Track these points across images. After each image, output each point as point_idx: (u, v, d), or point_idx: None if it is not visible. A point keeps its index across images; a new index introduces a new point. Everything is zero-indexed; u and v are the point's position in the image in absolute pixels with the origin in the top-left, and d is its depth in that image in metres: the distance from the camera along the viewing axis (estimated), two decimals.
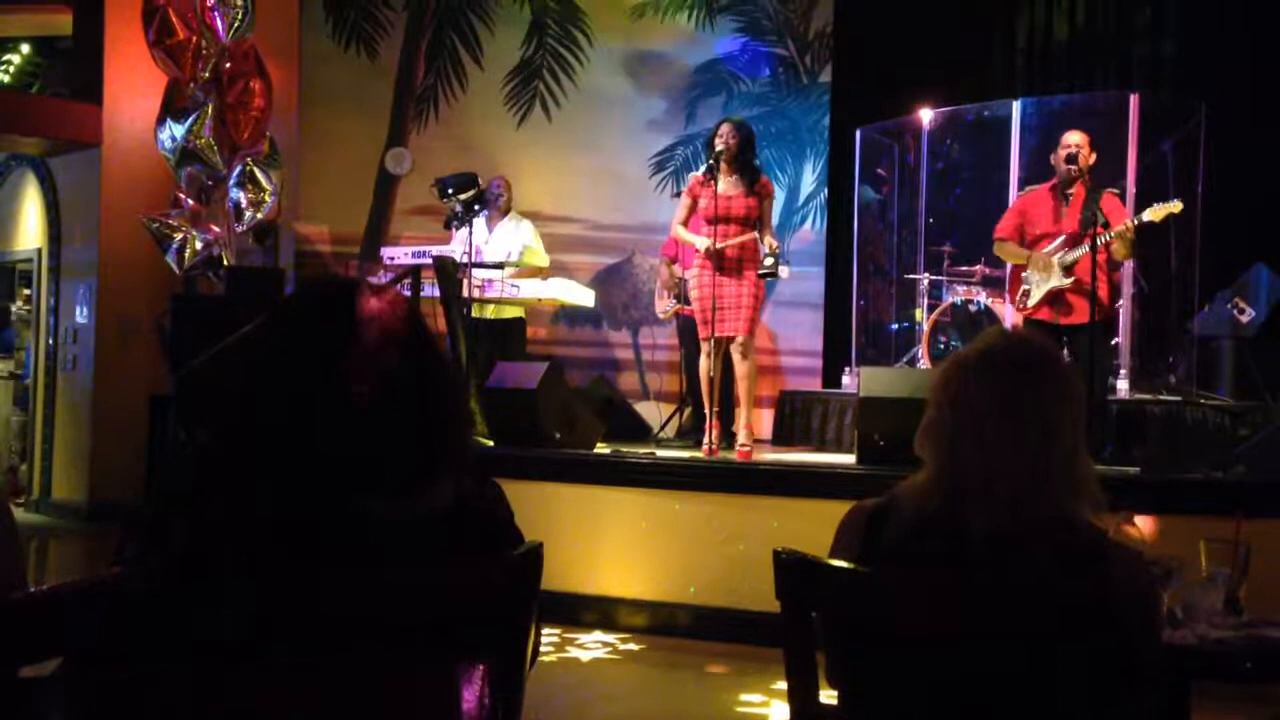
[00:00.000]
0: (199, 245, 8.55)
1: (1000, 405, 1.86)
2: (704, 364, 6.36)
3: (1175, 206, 5.98)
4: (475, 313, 7.72)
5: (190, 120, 8.53)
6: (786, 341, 9.02)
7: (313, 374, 1.65)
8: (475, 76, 9.60)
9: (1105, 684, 1.83)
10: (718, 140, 6.25)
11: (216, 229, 8.61)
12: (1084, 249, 5.93)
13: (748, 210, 6.20)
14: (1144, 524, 2.36)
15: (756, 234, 6.20)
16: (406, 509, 1.68)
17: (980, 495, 1.84)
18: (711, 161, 6.29)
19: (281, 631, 1.61)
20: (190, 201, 8.69)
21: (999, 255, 6.67)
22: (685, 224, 6.41)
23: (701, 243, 6.22)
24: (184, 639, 1.58)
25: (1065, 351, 6.17)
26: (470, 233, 7.30)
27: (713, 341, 6.24)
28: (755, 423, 6.45)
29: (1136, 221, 6.03)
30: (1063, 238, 6.19)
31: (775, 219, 7.47)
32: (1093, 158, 6.25)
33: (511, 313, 7.94)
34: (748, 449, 6.23)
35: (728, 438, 6.73)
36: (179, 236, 8.53)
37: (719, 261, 6.18)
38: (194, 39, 8.48)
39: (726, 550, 5.43)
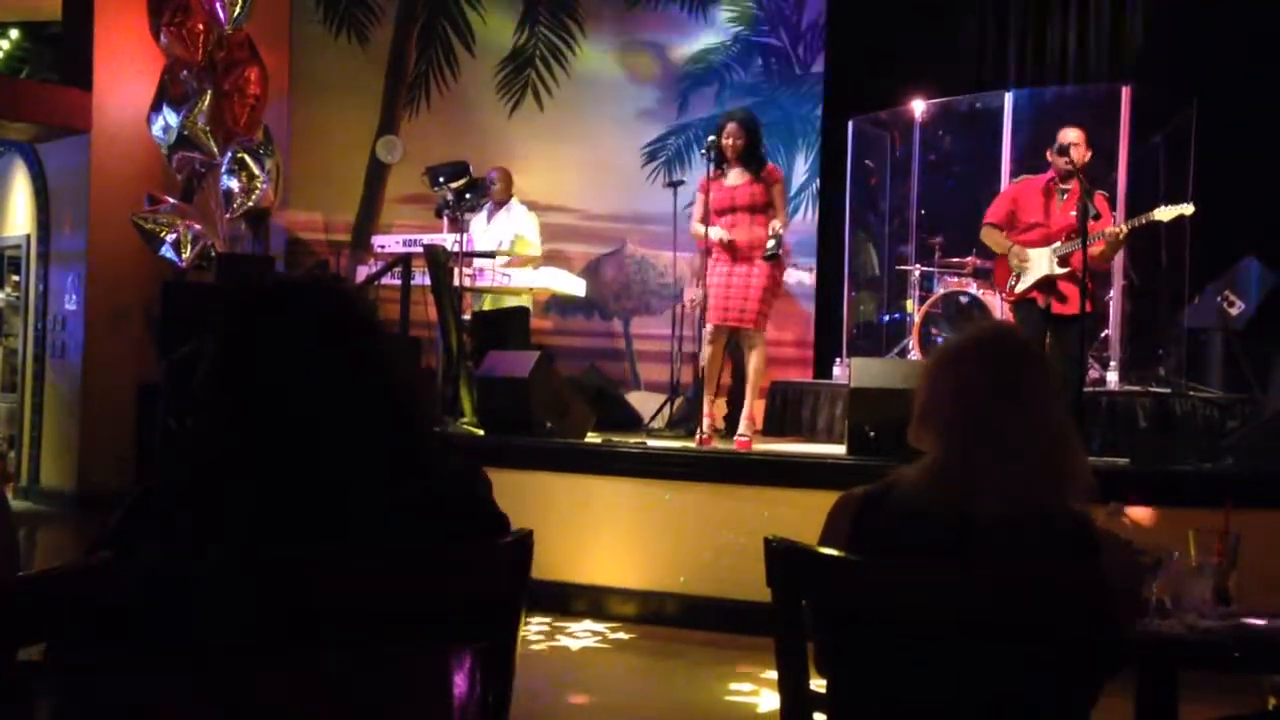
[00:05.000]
0: (191, 238, 8.53)
1: (998, 390, 1.89)
2: (705, 351, 6.38)
3: (1186, 209, 5.99)
4: (485, 305, 7.74)
5: (188, 107, 8.51)
6: (778, 332, 9.01)
7: (268, 372, 1.69)
8: (467, 64, 9.58)
9: (1094, 670, 1.85)
10: (725, 139, 6.25)
11: (197, 226, 8.58)
12: (1078, 244, 5.94)
13: (753, 198, 6.23)
14: (1140, 514, 2.37)
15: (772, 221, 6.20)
16: (382, 496, 1.69)
17: (982, 481, 1.85)
18: (705, 153, 6.31)
19: (272, 621, 1.61)
20: (171, 200, 8.66)
21: (982, 238, 6.68)
22: (704, 221, 6.38)
23: (715, 233, 6.24)
24: (174, 628, 1.58)
25: (1049, 340, 6.22)
26: (462, 220, 7.30)
27: (710, 328, 6.27)
28: (753, 413, 6.48)
29: (1145, 220, 6.06)
30: (1057, 245, 6.21)
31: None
32: (1088, 155, 6.26)
33: (514, 302, 7.91)
34: (747, 439, 6.25)
35: (732, 426, 6.72)
36: (171, 236, 8.49)
37: (731, 251, 6.21)
38: (201, 24, 8.46)
39: (716, 540, 5.44)
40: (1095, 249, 5.91)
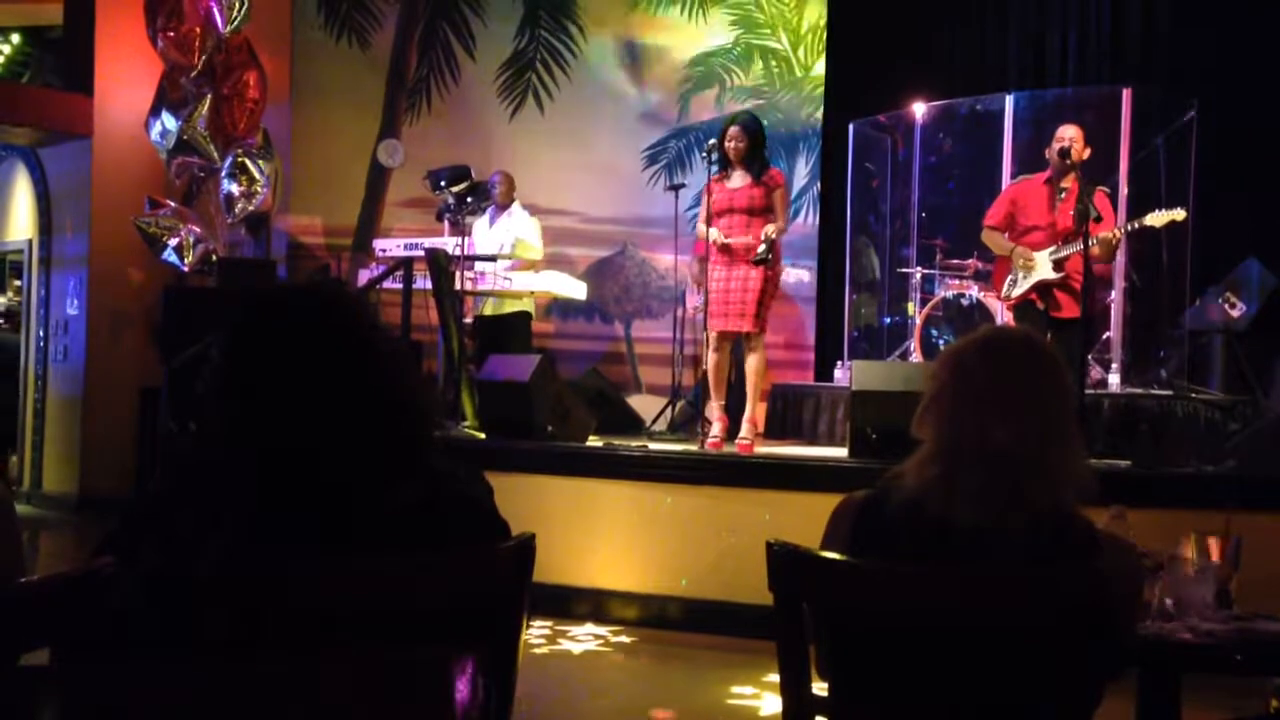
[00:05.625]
0: (193, 242, 8.54)
1: (997, 392, 1.89)
2: (711, 357, 6.39)
3: (1179, 215, 6.00)
4: (486, 308, 7.74)
5: (187, 111, 8.52)
6: (779, 335, 9.01)
7: (270, 376, 1.70)
8: (468, 68, 9.59)
9: (1096, 673, 1.85)
10: (727, 142, 6.26)
11: (196, 229, 8.58)
12: (1076, 246, 5.94)
13: (751, 201, 6.23)
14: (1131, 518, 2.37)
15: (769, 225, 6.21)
16: (382, 499, 1.69)
17: (971, 485, 1.85)
18: (705, 156, 6.32)
19: (274, 624, 1.61)
20: (172, 203, 8.67)
21: (984, 241, 6.71)
22: (708, 222, 6.40)
23: (712, 234, 6.24)
24: (177, 630, 1.58)
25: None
26: (463, 224, 7.31)
27: (710, 334, 6.28)
28: (755, 416, 6.48)
29: (1138, 225, 6.08)
30: (1053, 249, 6.22)
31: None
32: (1087, 152, 6.28)
33: (513, 306, 7.91)
34: (749, 442, 6.25)
35: (733, 429, 6.73)
36: (174, 240, 8.50)
37: (728, 254, 6.22)
38: (197, 29, 8.47)
39: (718, 543, 5.43)
40: (1091, 253, 5.93)
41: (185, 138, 8.54)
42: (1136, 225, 6.14)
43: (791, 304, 8.97)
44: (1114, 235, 6.08)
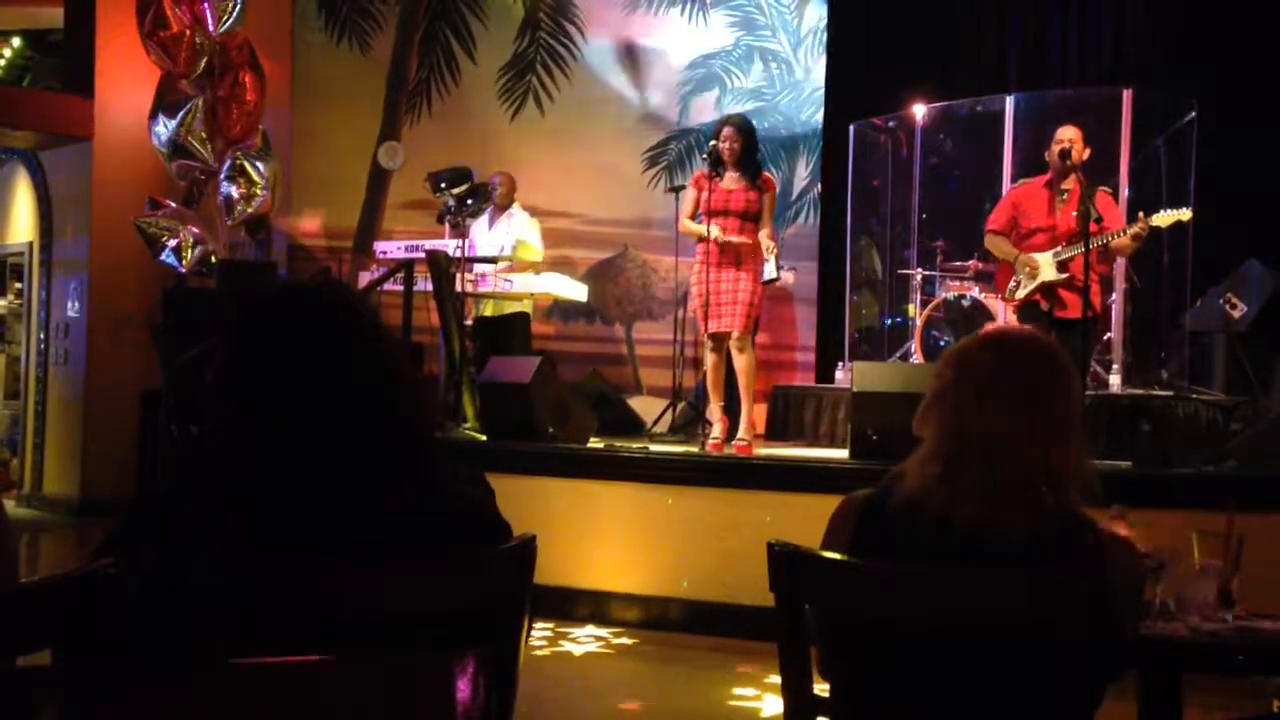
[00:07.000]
0: (191, 243, 8.54)
1: (1006, 386, 1.89)
2: (709, 358, 6.40)
3: (1184, 215, 5.98)
4: (487, 310, 7.73)
5: (181, 114, 8.51)
6: (780, 336, 9.01)
7: (272, 376, 1.70)
8: (468, 70, 9.59)
9: (1097, 673, 1.84)
10: (721, 143, 6.27)
11: (195, 230, 8.58)
12: (1080, 247, 5.93)
13: (747, 204, 6.25)
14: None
15: (762, 231, 6.22)
16: (383, 500, 1.69)
17: (972, 485, 1.85)
18: (706, 157, 6.33)
19: (274, 626, 1.61)
20: (172, 204, 8.66)
21: (988, 247, 6.70)
22: (692, 218, 6.43)
23: (713, 231, 6.23)
24: (176, 632, 1.58)
25: None
26: (464, 225, 7.32)
27: (710, 336, 6.29)
28: (752, 418, 6.48)
29: (1149, 224, 6.05)
30: (1057, 249, 6.21)
31: None
32: (1086, 153, 6.27)
33: (516, 307, 7.91)
34: (746, 443, 6.25)
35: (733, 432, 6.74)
36: (173, 241, 8.50)
37: (719, 254, 6.22)
38: (187, 32, 8.46)
39: (719, 544, 5.43)
40: (1121, 243, 5.97)
41: (180, 141, 8.54)
42: (1141, 228, 6.11)
43: (792, 305, 8.96)
44: (1143, 226, 6.00)
